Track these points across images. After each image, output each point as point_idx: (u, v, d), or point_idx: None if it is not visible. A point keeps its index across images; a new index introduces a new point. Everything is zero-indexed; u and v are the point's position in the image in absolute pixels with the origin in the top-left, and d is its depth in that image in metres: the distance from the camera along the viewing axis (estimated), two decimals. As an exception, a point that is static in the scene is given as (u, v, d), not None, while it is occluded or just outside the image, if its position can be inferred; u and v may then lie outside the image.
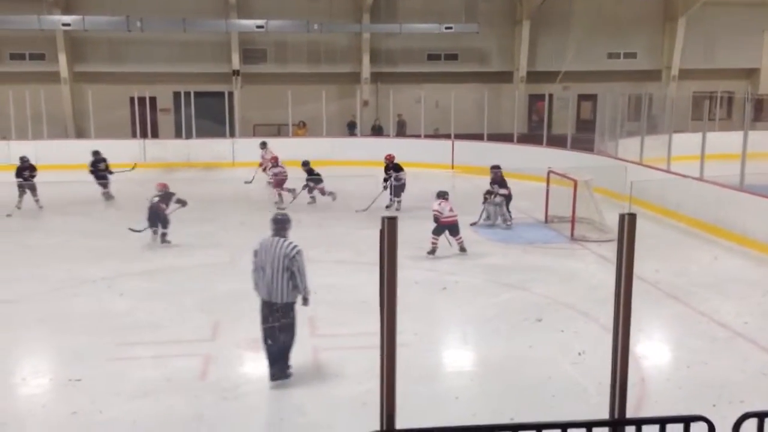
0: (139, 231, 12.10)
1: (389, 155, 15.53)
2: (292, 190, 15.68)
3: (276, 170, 15.96)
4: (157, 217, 12.09)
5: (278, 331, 6.64)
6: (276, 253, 6.56)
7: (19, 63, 25.49)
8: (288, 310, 6.63)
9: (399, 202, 15.15)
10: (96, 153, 16.62)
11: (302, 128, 24.33)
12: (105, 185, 16.37)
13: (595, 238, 12.47)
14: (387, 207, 15.07)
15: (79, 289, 9.73)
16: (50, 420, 6.11)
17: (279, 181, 15.89)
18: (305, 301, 6.75)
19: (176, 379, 6.80)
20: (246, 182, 18.14)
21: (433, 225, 11.35)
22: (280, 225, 6.83)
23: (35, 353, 7.78)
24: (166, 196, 12.29)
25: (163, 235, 12.13)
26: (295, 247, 6.62)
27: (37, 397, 6.56)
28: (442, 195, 11.49)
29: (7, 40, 24.97)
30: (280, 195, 15.80)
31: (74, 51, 25.84)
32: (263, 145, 18.77)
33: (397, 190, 15.17)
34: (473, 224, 13.18)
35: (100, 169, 16.53)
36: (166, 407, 6.26)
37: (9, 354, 7.59)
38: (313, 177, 15.64)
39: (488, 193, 13.49)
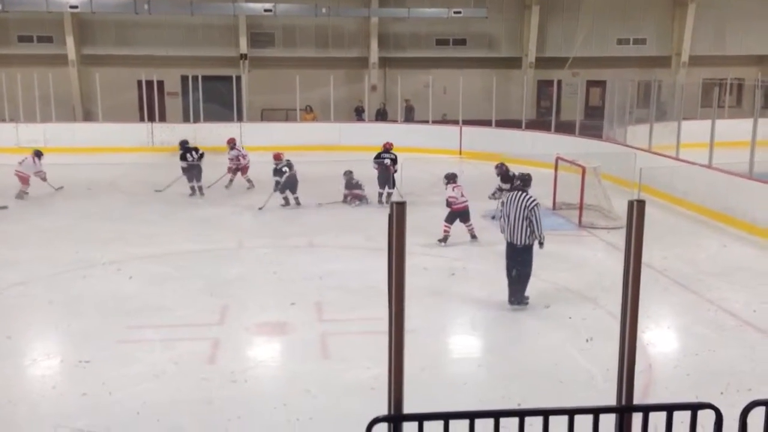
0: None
1: (388, 143, 14.65)
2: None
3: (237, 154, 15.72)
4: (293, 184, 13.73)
5: (519, 266, 8.06)
6: (518, 204, 7.97)
7: (27, 46, 25.50)
8: (526, 250, 8.03)
9: (389, 194, 14.02)
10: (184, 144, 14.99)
11: (310, 113, 24.30)
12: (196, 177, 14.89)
13: (603, 225, 12.44)
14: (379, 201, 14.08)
15: (88, 272, 9.79)
16: (60, 401, 6.17)
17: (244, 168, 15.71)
18: (541, 245, 8.12)
19: (184, 362, 6.85)
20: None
21: (443, 211, 11.18)
22: (525, 182, 8.45)
23: (45, 335, 7.84)
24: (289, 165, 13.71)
25: (296, 198, 13.81)
26: (533, 200, 8.03)
27: (48, 379, 6.63)
28: (452, 178, 11.19)
29: (15, 22, 24.99)
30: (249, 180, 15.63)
31: (82, 33, 25.82)
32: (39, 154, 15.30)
33: (381, 181, 14.11)
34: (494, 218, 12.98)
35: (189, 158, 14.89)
36: (175, 390, 6.32)
37: (20, 335, 7.66)
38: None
39: (499, 190, 13.22)
